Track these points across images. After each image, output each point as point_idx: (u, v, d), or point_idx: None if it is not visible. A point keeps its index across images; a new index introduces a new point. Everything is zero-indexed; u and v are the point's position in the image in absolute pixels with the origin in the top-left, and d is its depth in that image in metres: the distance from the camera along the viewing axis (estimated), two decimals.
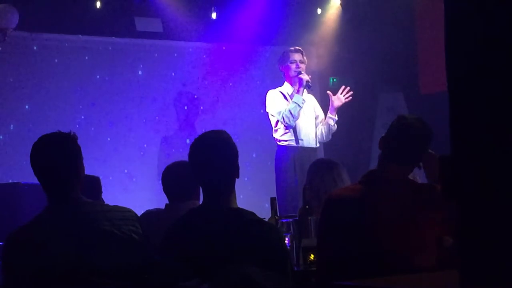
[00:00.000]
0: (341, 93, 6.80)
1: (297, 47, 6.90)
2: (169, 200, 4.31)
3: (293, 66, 6.78)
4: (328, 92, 6.88)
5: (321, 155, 7.24)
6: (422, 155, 3.35)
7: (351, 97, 6.82)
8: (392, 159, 3.25)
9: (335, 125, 6.89)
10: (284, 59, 6.86)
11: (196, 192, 4.14)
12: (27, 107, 7.41)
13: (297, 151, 6.76)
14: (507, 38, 1.60)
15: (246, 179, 8.17)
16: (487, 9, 1.64)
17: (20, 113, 7.38)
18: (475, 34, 1.66)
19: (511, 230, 1.57)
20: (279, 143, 6.85)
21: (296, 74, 6.77)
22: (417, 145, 3.28)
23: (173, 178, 4.30)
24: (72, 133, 3.14)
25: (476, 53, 1.66)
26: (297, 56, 6.80)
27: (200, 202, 3.41)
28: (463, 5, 1.71)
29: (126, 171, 7.84)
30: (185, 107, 8.36)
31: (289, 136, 6.77)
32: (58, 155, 3.08)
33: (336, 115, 6.86)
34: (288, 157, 6.79)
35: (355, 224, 3.13)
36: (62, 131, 3.15)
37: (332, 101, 6.81)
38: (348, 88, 6.83)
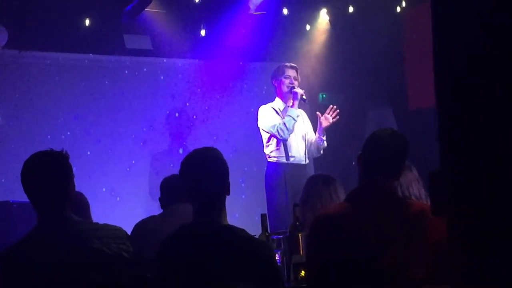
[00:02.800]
0: (328, 113, 6.80)
1: (292, 64, 6.89)
2: (163, 208, 4.45)
3: (287, 81, 6.77)
4: (318, 113, 6.87)
5: (311, 171, 7.23)
6: (402, 167, 3.35)
7: (338, 117, 6.81)
8: (371, 175, 3.25)
9: (325, 142, 6.90)
10: (278, 74, 6.85)
11: None
12: (13, 123, 7.37)
13: (287, 168, 6.74)
14: (495, 54, 1.61)
15: (243, 196, 8.14)
16: (475, 25, 1.65)
17: (6, 129, 7.34)
18: (463, 49, 1.68)
19: (501, 245, 1.58)
20: (269, 159, 6.83)
21: (289, 89, 6.77)
22: (395, 158, 3.28)
23: (169, 187, 4.44)
24: (64, 152, 3.13)
25: (464, 68, 1.67)
26: (291, 72, 6.80)
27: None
28: (450, 21, 1.72)
29: (104, 189, 7.66)
30: (175, 124, 8.34)
31: (280, 152, 6.75)
32: (49, 174, 3.07)
33: (325, 135, 6.86)
34: (278, 173, 6.77)
35: (343, 241, 3.13)
36: (54, 149, 3.15)
37: (320, 122, 6.80)
38: (335, 107, 6.82)
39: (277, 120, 6.71)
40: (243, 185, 8.34)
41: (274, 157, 6.78)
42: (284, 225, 6.27)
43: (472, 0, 1.66)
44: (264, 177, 6.91)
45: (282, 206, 6.64)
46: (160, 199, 4.55)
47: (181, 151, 8.16)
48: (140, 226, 4.40)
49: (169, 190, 4.50)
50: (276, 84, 6.88)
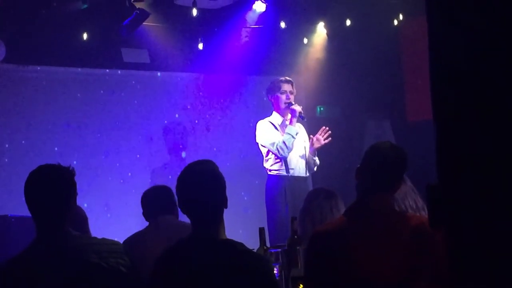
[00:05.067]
0: (320, 134, 6.78)
1: (287, 78, 6.88)
2: (148, 221, 4.50)
3: (283, 97, 6.77)
4: (311, 136, 6.87)
5: (310, 184, 7.21)
6: (400, 181, 3.35)
7: (330, 138, 6.79)
8: (370, 188, 3.24)
9: (317, 160, 6.89)
10: (273, 89, 6.83)
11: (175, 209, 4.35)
12: (11, 137, 7.35)
13: (288, 180, 6.74)
14: (492, 66, 1.61)
15: (249, 211, 8.10)
16: (471, 37, 1.65)
17: (4, 143, 7.32)
18: (460, 62, 1.68)
19: (499, 257, 1.58)
20: (269, 173, 6.83)
21: (286, 105, 6.76)
22: (393, 171, 3.27)
23: (152, 199, 4.46)
24: (71, 168, 3.12)
25: (461, 80, 1.67)
26: (287, 87, 6.78)
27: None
28: (447, 34, 1.72)
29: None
30: (173, 137, 8.33)
31: (280, 165, 6.75)
32: (53, 189, 3.06)
33: (316, 155, 6.86)
34: (278, 186, 6.76)
35: (342, 256, 3.13)
36: (61, 164, 3.14)
37: (312, 143, 6.79)
38: (327, 128, 6.81)
39: (276, 137, 6.70)
40: (245, 198, 8.33)
41: (275, 170, 6.78)
42: (284, 238, 6.25)
43: (468, 13, 1.66)
44: (265, 190, 6.90)
45: (282, 219, 6.62)
46: (143, 214, 4.57)
47: (183, 154, 8.17)
48: (127, 242, 4.40)
49: (151, 203, 4.54)
50: (272, 100, 6.88)
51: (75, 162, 7.34)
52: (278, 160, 6.74)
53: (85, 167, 7.54)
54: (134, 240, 4.43)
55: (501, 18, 1.59)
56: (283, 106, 6.78)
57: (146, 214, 4.56)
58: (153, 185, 5.04)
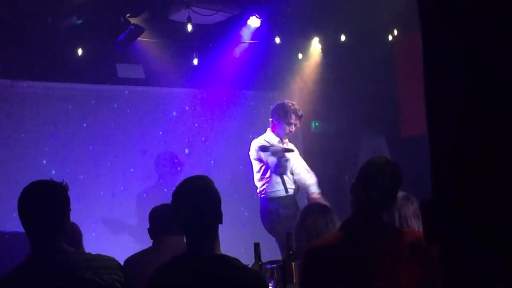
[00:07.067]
0: None
1: (300, 113, 6.85)
2: (153, 239, 4.38)
3: (288, 128, 6.80)
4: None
5: (303, 201, 7.19)
6: (395, 196, 3.36)
7: None
8: (365, 203, 3.25)
9: None
10: (283, 115, 6.80)
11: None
12: (5, 153, 7.33)
13: (283, 200, 6.75)
14: (486, 82, 1.61)
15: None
16: (466, 53, 1.66)
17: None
18: (454, 77, 1.68)
19: (492, 272, 1.57)
20: (262, 195, 6.85)
21: (286, 136, 6.81)
22: (388, 186, 3.28)
23: (158, 217, 4.41)
24: (64, 183, 3.11)
25: (455, 96, 1.67)
26: (296, 121, 6.82)
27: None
28: (441, 49, 1.72)
29: (94, 225, 7.53)
30: (169, 151, 8.33)
31: (278, 186, 6.77)
32: (47, 204, 3.05)
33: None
34: (277, 207, 6.78)
35: (337, 271, 3.12)
36: (54, 179, 3.13)
37: None
38: None
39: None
40: (246, 214, 8.31)
41: (271, 191, 6.78)
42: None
43: (461, 29, 1.66)
44: (261, 211, 6.88)
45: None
46: (149, 230, 4.48)
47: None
48: (131, 260, 4.34)
49: (158, 221, 4.43)
50: (275, 122, 6.87)
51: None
52: (278, 179, 6.75)
53: (75, 180, 7.50)
54: (138, 259, 4.34)
55: (497, 30, 1.59)
56: (284, 134, 6.82)
57: (152, 232, 4.47)
58: (149, 200, 4.95)
